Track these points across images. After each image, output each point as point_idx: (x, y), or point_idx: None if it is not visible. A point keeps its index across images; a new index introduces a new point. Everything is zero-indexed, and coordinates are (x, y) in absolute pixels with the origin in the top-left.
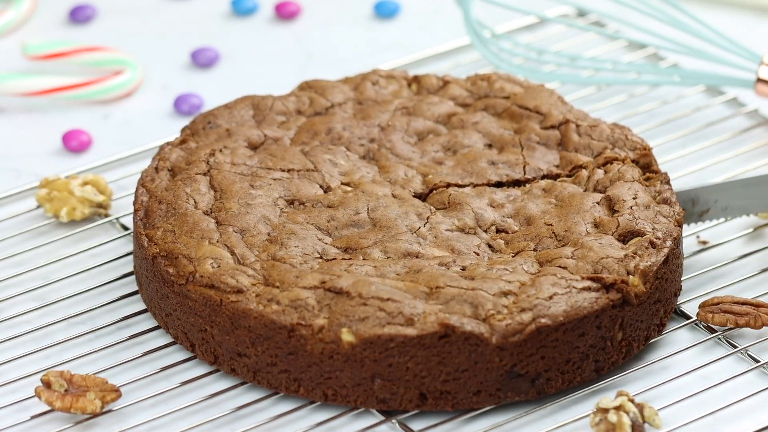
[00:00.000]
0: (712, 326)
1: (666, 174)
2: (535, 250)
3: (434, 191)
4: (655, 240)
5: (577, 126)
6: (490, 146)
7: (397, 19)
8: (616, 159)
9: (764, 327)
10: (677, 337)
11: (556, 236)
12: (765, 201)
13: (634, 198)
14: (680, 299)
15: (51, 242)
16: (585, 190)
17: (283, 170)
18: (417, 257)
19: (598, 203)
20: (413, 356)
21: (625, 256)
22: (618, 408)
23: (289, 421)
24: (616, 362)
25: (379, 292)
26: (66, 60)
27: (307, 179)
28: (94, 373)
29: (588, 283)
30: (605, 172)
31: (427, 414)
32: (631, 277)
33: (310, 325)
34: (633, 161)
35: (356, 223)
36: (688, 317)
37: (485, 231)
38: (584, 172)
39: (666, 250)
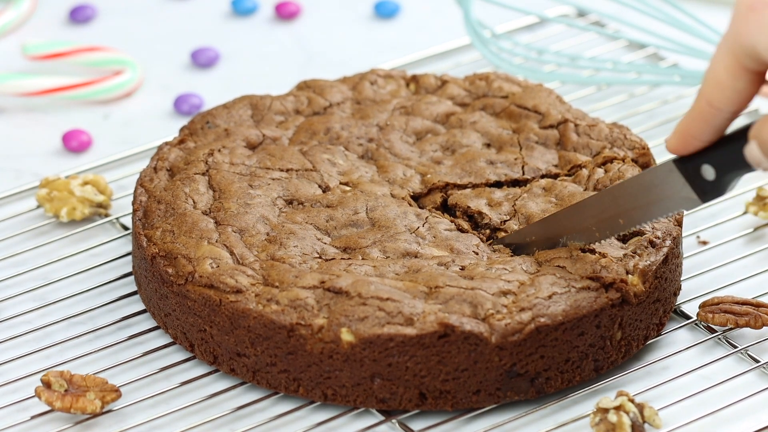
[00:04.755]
0: (712, 326)
1: None
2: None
3: (432, 192)
4: (654, 239)
5: (576, 125)
6: (488, 146)
7: (397, 19)
8: (615, 158)
9: (764, 327)
10: (677, 337)
11: None
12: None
13: None
14: (680, 299)
15: (51, 242)
16: (585, 189)
17: (281, 170)
18: (416, 257)
19: None
20: (413, 356)
21: (625, 255)
22: (618, 408)
23: (289, 421)
24: (616, 362)
25: (379, 291)
26: (66, 60)
27: (305, 179)
28: (94, 373)
29: (587, 283)
30: (605, 171)
31: (427, 414)
32: (630, 276)
33: (309, 324)
34: (632, 160)
35: (355, 222)
36: (688, 317)
37: (482, 230)
38: (584, 171)
39: (665, 250)
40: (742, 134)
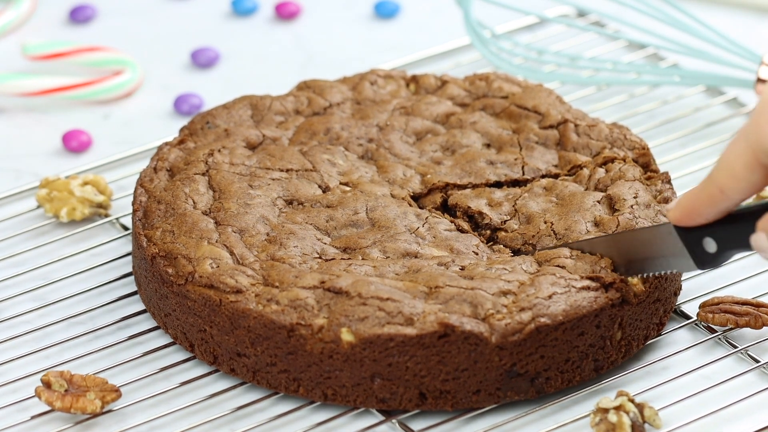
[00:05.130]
0: (713, 326)
1: (667, 173)
2: (534, 249)
3: (431, 192)
4: None
5: (576, 125)
6: (488, 146)
7: (397, 19)
8: (615, 158)
9: (764, 327)
10: (677, 337)
11: (555, 235)
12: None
13: (634, 197)
14: (680, 299)
15: (51, 242)
16: (586, 189)
17: (281, 170)
18: (416, 257)
19: (598, 202)
20: (413, 356)
21: None
22: (618, 408)
23: (289, 422)
24: (615, 362)
25: (379, 291)
26: (66, 60)
27: (305, 179)
28: (94, 374)
29: (587, 283)
30: (606, 171)
31: (427, 414)
32: (630, 277)
33: (309, 324)
34: (633, 161)
35: (355, 223)
36: (688, 317)
37: (483, 230)
38: (585, 171)
39: None
40: (749, 217)
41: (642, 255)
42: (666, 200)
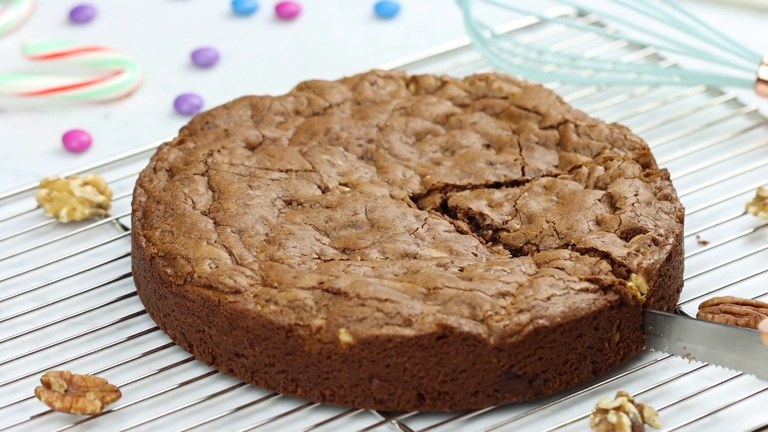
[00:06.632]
0: None
1: (666, 170)
2: (537, 248)
3: (431, 193)
4: (657, 237)
5: (576, 126)
6: (488, 146)
7: (397, 19)
8: (615, 158)
9: None
10: None
11: (558, 234)
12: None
13: (635, 195)
14: (680, 299)
15: (51, 242)
16: (585, 187)
17: (281, 171)
18: (415, 258)
19: (599, 200)
20: (411, 357)
21: (628, 254)
22: (618, 408)
23: (288, 422)
24: (614, 363)
25: (377, 292)
26: (66, 60)
27: (305, 180)
28: (93, 374)
29: (586, 285)
30: (605, 169)
31: (427, 415)
32: (633, 275)
33: (308, 325)
34: (633, 160)
35: (354, 223)
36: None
37: (484, 231)
38: (584, 169)
39: (669, 247)
40: None
41: (727, 350)
42: (666, 197)
